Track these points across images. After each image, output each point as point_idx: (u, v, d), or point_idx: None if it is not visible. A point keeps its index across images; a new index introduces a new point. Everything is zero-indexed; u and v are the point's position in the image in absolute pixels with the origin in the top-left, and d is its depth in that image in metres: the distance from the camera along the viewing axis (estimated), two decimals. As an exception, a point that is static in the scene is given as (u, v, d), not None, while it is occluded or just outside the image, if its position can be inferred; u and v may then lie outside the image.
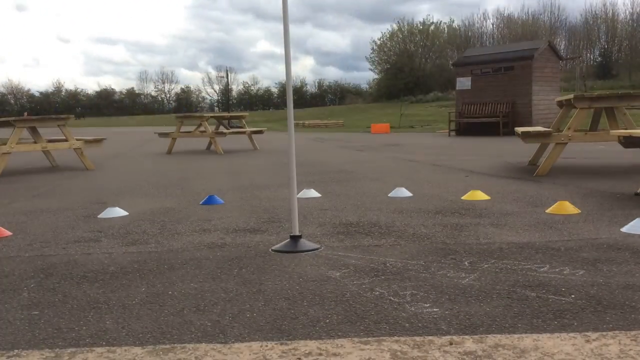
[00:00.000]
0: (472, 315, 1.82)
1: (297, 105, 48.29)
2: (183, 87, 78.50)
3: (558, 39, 46.01)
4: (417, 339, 1.65)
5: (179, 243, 3.04)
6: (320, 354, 1.56)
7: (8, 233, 3.37)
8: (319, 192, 4.72)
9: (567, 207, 3.62)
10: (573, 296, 1.99)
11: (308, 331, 1.73)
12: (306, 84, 71.69)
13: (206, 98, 75.30)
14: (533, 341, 1.61)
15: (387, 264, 2.48)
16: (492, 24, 52.20)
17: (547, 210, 3.66)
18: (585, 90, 26.44)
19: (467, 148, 10.90)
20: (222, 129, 11.88)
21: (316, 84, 72.53)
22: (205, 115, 12.15)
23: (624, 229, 3.04)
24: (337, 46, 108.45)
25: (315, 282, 2.24)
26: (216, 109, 70.10)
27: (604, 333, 1.65)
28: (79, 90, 74.22)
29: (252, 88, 74.52)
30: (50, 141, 7.99)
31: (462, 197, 4.32)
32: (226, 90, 62.76)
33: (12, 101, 71.00)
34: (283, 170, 6.78)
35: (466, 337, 1.65)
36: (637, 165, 6.43)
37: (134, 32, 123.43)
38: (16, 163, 8.74)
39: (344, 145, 12.59)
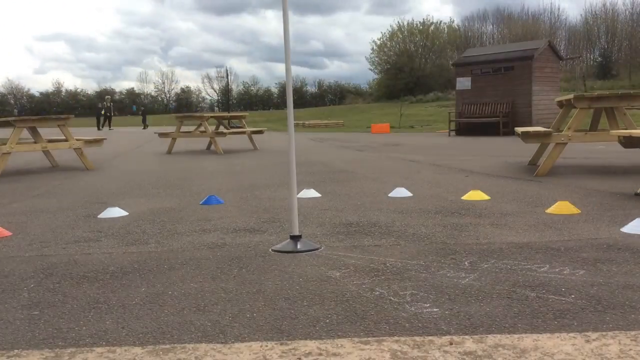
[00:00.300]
0: (472, 315, 1.82)
1: (297, 105, 48.23)
2: (183, 87, 78.60)
3: (558, 39, 46.03)
4: (417, 339, 1.65)
5: (179, 243, 3.04)
6: (320, 354, 1.56)
7: (8, 233, 3.37)
8: (319, 192, 4.72)
9: (567, 207, 3.62)
10: (573, 296, 1.99)
11: (308, 331, 1.73)
12: (306, 84, 71.77)
13: (206, 98, 75.38)
14: (533, 341, 1.61)
15: (387, 264, 2.48)
16: (492, 24, 52.26)
17: (547, 210, 3.66)
18: (585, 90, 26.45)
19: (467, 148, 10.90)
20: (222, 129, 11.88)
21: (316, 84, 72.61)
22: (205, 115, 12.14)
23: (624, 229, 3.04)
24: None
25: (315, 282, 2.24)
26: (216, 109, 70.09)
27: (604, 333, 1.65)
28: (79, 90, 74.38)
29: (252, 88, 74.62)
30: (50, 141, 7.99)
31: (462, 197, 4.32)
32: (226, 91, 62.73)
33: (12, 101, 71.00)
34: (283, 170, 6.77)
35: (466, 337, 1.65)
36: (637, 165, 6.42)
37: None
38: (16, 163, 8.74)
39: (344, 145, 12.59)
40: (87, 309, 2.01)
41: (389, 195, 4.55)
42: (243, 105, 70.34)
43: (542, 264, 2.41)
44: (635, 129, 5.56)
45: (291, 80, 2.97)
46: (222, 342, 1.66)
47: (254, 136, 11.67)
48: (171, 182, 5.92)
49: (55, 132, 8.20)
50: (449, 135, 17.24)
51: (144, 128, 32.46)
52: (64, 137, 7.82)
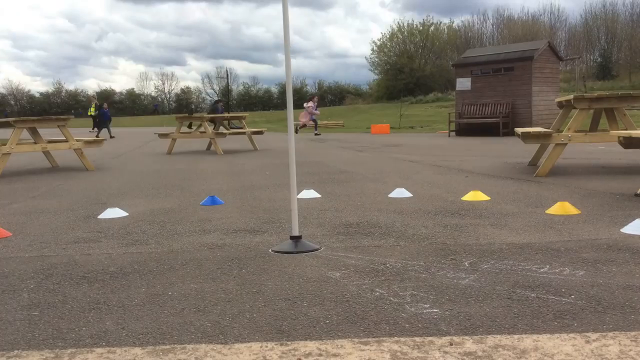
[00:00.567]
0: (472, 316, 1.82)
1: (297, 105, 48.18)
2: (183, 87, 78.63)
3: (558, 40, 46.04)
4: (417, 339, 1.65)
5: (179, 244, 3.04)
6: (320, 355, 1.56)
7: (8, 233, 3.37)
8: (319, 193, 4.72)
9: (567, 208, 3.62)
10: (573, 297, 1.99)
11: (308, 332, 1.73)
12: (306, 85, 71.75)
13: (206, 99, 75.39)
14: (533, 342, 1.60)
15: (387, 265, 2.48)
16: (492, 25, 52.25)
17: (547, 211, 3.66)
18: (585, 91, 26.46)
19: (467, 148, 10.89)
20: (222, 129, 11.88)
21: (316, 85, 72.60)
22: (205, 115, 12.15)
23: (624, 230, 3.04)
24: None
25: (315, 283, 2.24)
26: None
27: (604, 333, 1.65)
28: (79, 91, 74.36)
29: (252, 89, 74.62)
30: (50, 142, 8.00)
31: (462, 198, 4.32)
32: (226, 91, 62.71)
33: (12, 102, 70.96)
34: (283, 171, 6.78)
35: (466, 337, 1.65)
36: (637, 166, 6.42)
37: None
38: (16, 163, 8.74)
39: (344, 146, 12.58)
40: (87, 309, 2.01)
41: (389, 195, 4.55)
42: (243, 106, 70.33)
43: (542, 265, 2.41)
44: (635, 129, 5.57)
45: (291, 81, 2.97)
46: (222, 343, 1.66)
47: (254, 137, 11.68)
48: (171, 183, 5.92)
49: (55, 132, 8.19)
50: (449, 135, 17.24)
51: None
52: (64, 138, 7.82)
